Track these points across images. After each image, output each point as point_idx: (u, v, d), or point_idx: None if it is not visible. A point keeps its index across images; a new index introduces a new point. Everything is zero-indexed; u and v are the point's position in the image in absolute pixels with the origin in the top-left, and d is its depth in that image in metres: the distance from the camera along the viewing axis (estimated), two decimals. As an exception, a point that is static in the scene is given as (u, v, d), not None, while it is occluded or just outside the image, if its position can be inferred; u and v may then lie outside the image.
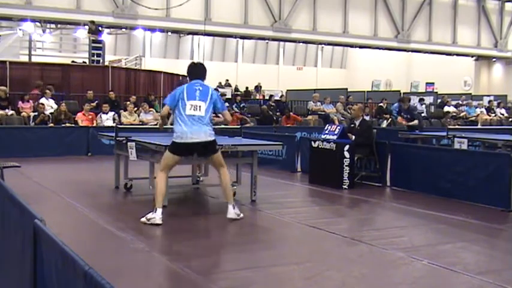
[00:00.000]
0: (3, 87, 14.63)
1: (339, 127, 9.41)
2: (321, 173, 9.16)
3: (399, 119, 12.97)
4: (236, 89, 28.60)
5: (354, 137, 9.18)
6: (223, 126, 7.79)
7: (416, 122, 12.40)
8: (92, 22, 18.11)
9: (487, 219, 6.74)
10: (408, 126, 12.42)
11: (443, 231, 6.23)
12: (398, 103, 13.54)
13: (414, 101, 21.74)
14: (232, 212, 6.30)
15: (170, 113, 6.52)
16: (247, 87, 29.63)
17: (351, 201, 8.20)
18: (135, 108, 15.32)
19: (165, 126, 7.18)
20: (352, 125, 9.68)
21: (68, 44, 24.47)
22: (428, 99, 24.11)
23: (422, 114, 21.48)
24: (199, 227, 6.30)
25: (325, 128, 9.66)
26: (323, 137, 9.27)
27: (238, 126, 10.97)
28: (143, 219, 6.04)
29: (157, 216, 6.01)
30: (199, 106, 6.08)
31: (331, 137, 9.09)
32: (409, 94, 25.71)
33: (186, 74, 6.60)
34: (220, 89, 23.40)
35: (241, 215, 6.37)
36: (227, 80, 30.38)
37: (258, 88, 30.18)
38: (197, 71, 6.47)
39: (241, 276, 4.42)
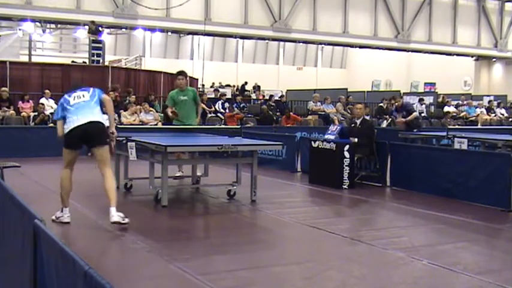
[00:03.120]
0: (4, 88, 14.66)
1: (338, 127, 9.43)
2: (321, 173, 9.15)
3: (398, 121, 12.64)
4: (237, 89, 28.62)
5: (356, 139, 9.11)
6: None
7: (415, 114, 12.70)
8: (92, 22, 18.11)
9: (487, 219, 6.74)
10: (406, 124, 12.29)
11: (443, 231, 6.23)
12: (394, 106, 13.47)
13: (414, 100, 21.76)
14: (115, 215, 5.72)
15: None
16: (245, 82, 29.60)
17: (351, 201, 8.20)
18: (139, 106, 15.39)
19: None
20: (353, 125, 9.69)
21: (68, 44, 24.50)
22: (428, 99, 24.12)
23: (422, 114, 21.51)
24: (199, 227, 6.30)
25: (329, 128, 9.63)
26: (326, 137, 9.25)
27: (238, 126, 10.98)
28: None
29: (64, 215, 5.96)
30: (83, 94, 6.04)
31: (331, 136, 9.09)
32: (409, 94, 25.80)
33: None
34: (220, 89, 23.44)
35: (127, 219, 5.75)
36: (228, 85, 30.37)
37: (256, 88, 30.21)
38: (75, 84, 6.60)
39: (241, 276, 4.42)
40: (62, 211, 5.98)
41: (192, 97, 8.94)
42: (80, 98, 6.01)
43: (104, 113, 6.09)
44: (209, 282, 4.17)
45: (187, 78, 9.30)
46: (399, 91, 24.57)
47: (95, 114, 5.90)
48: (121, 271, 4.52)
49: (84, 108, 5.91)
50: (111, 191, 5.84)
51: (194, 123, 9.00)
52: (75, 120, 5.83)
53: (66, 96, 6.14)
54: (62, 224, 5.94)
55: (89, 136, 5.90)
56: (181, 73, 9.11)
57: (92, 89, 6.21)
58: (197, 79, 22.50)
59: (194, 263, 4.69)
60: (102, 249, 5.18)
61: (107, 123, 6.15)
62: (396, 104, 12.88)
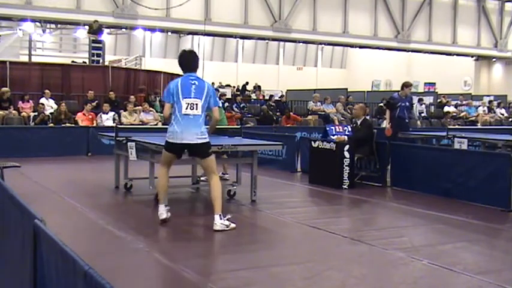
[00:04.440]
0: (6, 89, 14.67)
1: (345, 127, 9.46)
2: (321, 173, 9.15)
3: (387, 124, 10.77)
4: (238, 89, 28.64)
5: (346, 138, 9.12)
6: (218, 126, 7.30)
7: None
8: (96, 22, 18.12)
9: (487, 219, 6.74)
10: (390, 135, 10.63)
11: (443, 231, 6.23)
12: (399, 92, 11.26)
13: (413, 100, 21.72)
14: (218, 223, 5.78)
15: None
16: (246, 82, 29.60)
17: (351, 201, 8.20)
18: (138, 107, 15.44)
19: None
20: (354, 125, 9.70)
21: (68, 44, 24.47)
22: (428, 99, 24.11)
23: (422, 114, 21.51)
24: (199, 227, 6.29)
25: (331, 129, 9.46)
26: (334, 137, 9.09)
27: (238, 126, 10.98)
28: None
29: (160, 211, 6.06)
30: (196, 104, 5.78)
31: (343, 137, 9.06)
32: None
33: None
34: (220, 89, 23.44)
35: (232, 224, 5.84)
36: (228, 85, 30.36)
37: (256, 88, 30.21)
38: (190, 61, 6.04)
39: (241, 276, 4.42)
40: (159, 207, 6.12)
41: None
42: (193, 108, 5.78)
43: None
44: (209, 282, 4.17)
45: None
46: (399, 91, 24.51)
47: (198, 134, 5.79)
48: (121, 271, 4.52)
49: (191, 124, 5.79)
50: (214, 200, 5.87)
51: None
52: (179, 134, 5.80)
53: (181, 88, 5.81)
54: (62, 224, 5.94)
55: (189, 150, 6.02)
56: None
57: (205, 93, 5.85)
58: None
59: (194, 263, 4.69)
60: (102, 249, 5.18)
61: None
62: (406, 90, 11.09)
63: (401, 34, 25.73)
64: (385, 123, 11.05)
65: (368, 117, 13.89)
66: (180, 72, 6.13)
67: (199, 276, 4.30)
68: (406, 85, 11.30)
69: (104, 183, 8.73)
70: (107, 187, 8.43)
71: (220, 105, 10.06)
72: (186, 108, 5.77)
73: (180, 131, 5.80)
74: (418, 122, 12.88)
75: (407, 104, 11.06)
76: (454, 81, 30.89)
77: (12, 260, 3.20)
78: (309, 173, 9.63)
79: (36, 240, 2.57)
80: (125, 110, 15.01)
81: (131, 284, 4.24)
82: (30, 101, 14.89)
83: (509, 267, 5.00)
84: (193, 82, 5.88)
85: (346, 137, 9.09)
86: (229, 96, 21.97)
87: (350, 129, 9.42)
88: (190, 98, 5.80)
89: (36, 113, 14.45)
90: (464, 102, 23.19)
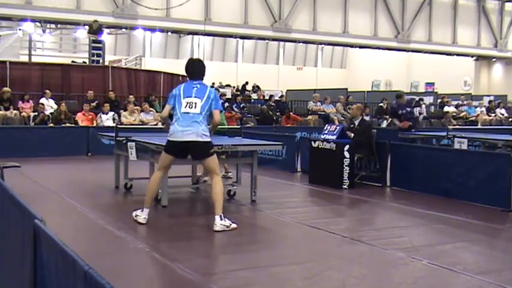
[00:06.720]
0: (7, 89, 14.66)
1: (338, 127, 9.42)
2: (321, 173, 9.15)
3: (398, 123, 12.35)
4: (238, 90, 28.64)
5: (352, 134, 9.16)
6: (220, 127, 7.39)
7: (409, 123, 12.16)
8: (96, 22, 18.13)
9: (487, 219, 6.74)
10: (407, 126, 12.12)
11: (443, 231, 6.23)
12: (395, 101, 12.86)
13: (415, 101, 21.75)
14: (218, 224, 5.80)
15: (172, 114, 6.17)
16: (246, 82, 29.60)
17: (351, 201, 8.20)
18: (137, 107, 15.42)
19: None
20: (352, 125, 9.69)
21: (68, 44, 24.47)
22: (428, 99, 24.11)
23: (422, 115, 21.49)
24: (199, 227, 6.29)
25: (325, 128, 9.66)
26: (322, 137, 9.27)
27: (238, 126, 10.99)
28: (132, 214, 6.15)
29: (142, 215, 6.04)
30: (195, 103, 5.87)
31: (330, 137, 9.09)
32: (409, 94, 25.75)
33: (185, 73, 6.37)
34: (220, 89, 23.42)
35: (233, 225, 5.87)
36: (228, 85, 30.37)
37: (255, 88, 30.21)
38: (195, 69, 6.20)
39: (241, 276, 4.42)
40: (142, 210, 6.07)
41: None
42: (192, 107, 5.85)
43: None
44: (209, 282, 4.17)
45: None
46: (399, 91, 24.52)
47: (199, 132, 5.80)
48: (121, 271, 4.52)
49: (191, 122, 5.82)
50: (215, 201, 5.89)
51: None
52: (179, 132, 5.83)
53: (182, 90, 5.97)
54: (62, 224, 5.94)
55: (190, 152, 6.01)
56: None
57: (206, 95, 5.94)
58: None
59: (194, 263, 4.69)
60: (102, 249, 5.18)
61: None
62: (400, 100, 12.49)
63: (401, 34, 25.73)
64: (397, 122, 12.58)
65: (367, 118, 14.01)
66: (180, 72, 6.21)
67: (199, 276, 4.30)
68: (399, 97, 12.84)
69: (104, 183, 8.72)
70: (107, 187, 8.43)
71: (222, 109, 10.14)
72: (185, 107, 5.88)
73: (181, 130, 5.83)
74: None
75: (407, 109, 12.33)
76: (454, 81, 30.89)
77: (12, 260, 3.20)
78: (309, 173, 9.63)
79: (36, 240, 2.57)
80: (125, 110, 15.01)
81: (131, 284, 4.24)
82: (30, 101, 14.89)
83: (509, 267, 5.01)
84: (195, 85, 6.03)
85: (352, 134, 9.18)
86: (229, 96, 21.95)
87: (340, 129, 9.43)
88: (190, 97, 5.93)
89: (36, 113, 14.45)
90: (465, 102, 23.18)
